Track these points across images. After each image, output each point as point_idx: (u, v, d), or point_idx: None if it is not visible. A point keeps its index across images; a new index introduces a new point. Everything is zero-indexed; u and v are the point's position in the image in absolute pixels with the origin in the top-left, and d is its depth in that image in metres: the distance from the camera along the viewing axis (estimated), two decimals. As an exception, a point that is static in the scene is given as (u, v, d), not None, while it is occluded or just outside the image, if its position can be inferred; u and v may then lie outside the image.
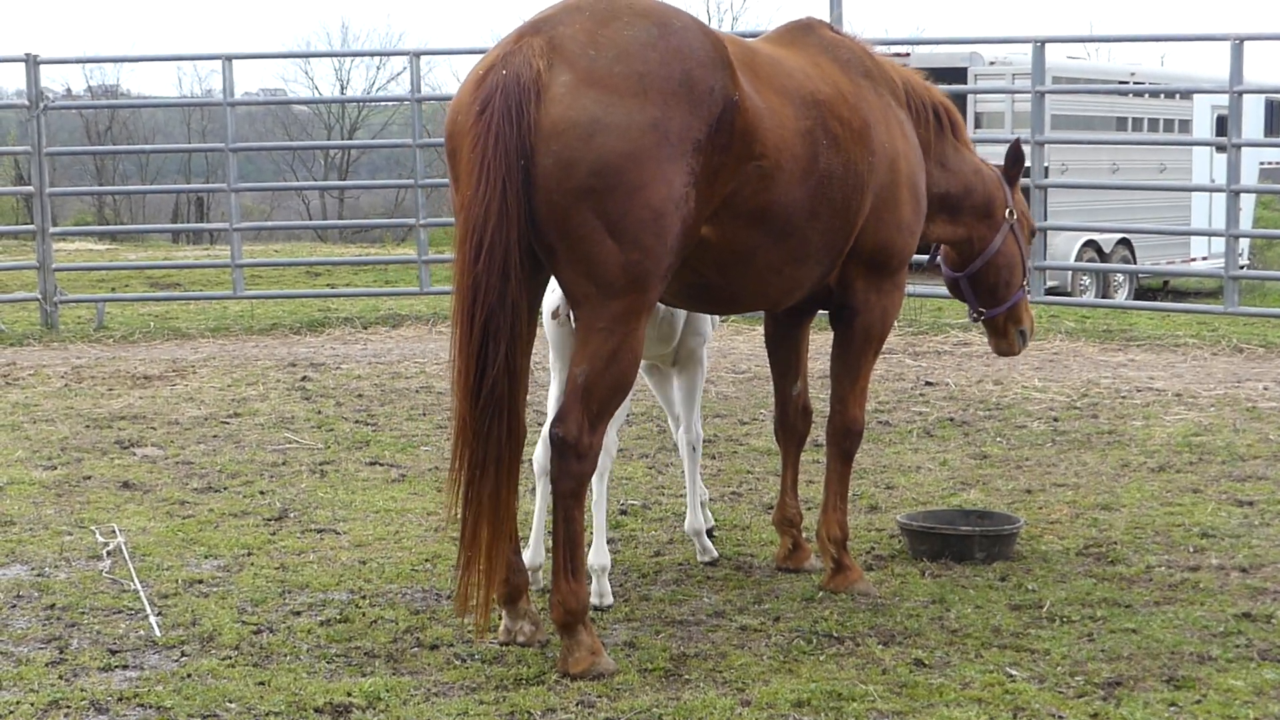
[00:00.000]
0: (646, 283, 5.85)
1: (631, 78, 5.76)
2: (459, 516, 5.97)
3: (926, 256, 8.62)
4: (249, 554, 7.77)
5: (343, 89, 48.14)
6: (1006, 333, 8.01)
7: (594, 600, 6.69)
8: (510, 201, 5.68)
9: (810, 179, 6.42)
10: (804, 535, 7.60)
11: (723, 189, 6.06)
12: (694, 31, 6.01)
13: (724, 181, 6.05)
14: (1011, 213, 7.76)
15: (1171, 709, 5.62)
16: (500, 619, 6.37)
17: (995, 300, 7.90)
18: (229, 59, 17.59)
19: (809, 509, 8.09)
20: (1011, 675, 5.93)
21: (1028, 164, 14.77)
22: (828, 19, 12.31)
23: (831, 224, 6.59)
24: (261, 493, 9.12)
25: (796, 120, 6.38)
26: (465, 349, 5.81)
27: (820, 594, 7.05)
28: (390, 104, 44.87)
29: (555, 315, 6.82)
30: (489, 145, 5.69)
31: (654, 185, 5.74)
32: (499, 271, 5.72)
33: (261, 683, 5.88)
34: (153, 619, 6.69)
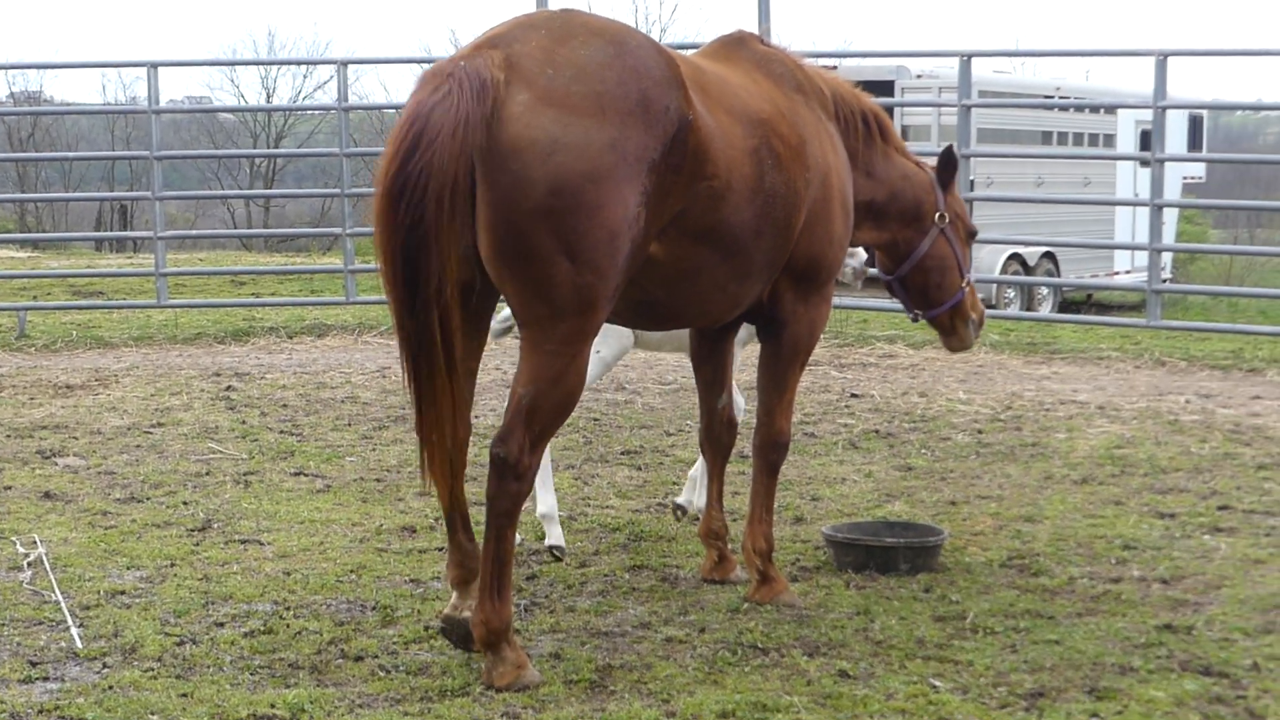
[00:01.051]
0: (597, 304, 5.81)
1: (590, 97, 5.71)
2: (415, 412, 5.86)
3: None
4: (172, 565, 7.70)
5: (269, 97, 47.73)
6: (954, 329, 8.00)
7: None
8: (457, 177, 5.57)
9: (757, 198, 6.42)
10: (729, 547, 7.61)
11: (673, 208, 6.05)
12: (649, 50, 6.00)
13: (675, 201, 6.03)
14: (942, 216, 7.78)
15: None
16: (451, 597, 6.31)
17: (928, 302, 7.93)
18: (154, 66, 17.47)
19: (734, 521, 8.10)
20: (935, 686, 5.96)
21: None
22: (756, 30, 12.33)
23: (774, 241, 6.61)
24: (185, 503, 9.05)
25: (744, 139, 6.39)
26: (389, 244, 5.62)
27: (745, 605, 7.06)
28: (317, 113, 44.60)
29: None
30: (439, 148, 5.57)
31: (611, 205, 5.70)
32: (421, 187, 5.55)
33: (184, 694, 5.82)
34: (74, 630, 6.62)
